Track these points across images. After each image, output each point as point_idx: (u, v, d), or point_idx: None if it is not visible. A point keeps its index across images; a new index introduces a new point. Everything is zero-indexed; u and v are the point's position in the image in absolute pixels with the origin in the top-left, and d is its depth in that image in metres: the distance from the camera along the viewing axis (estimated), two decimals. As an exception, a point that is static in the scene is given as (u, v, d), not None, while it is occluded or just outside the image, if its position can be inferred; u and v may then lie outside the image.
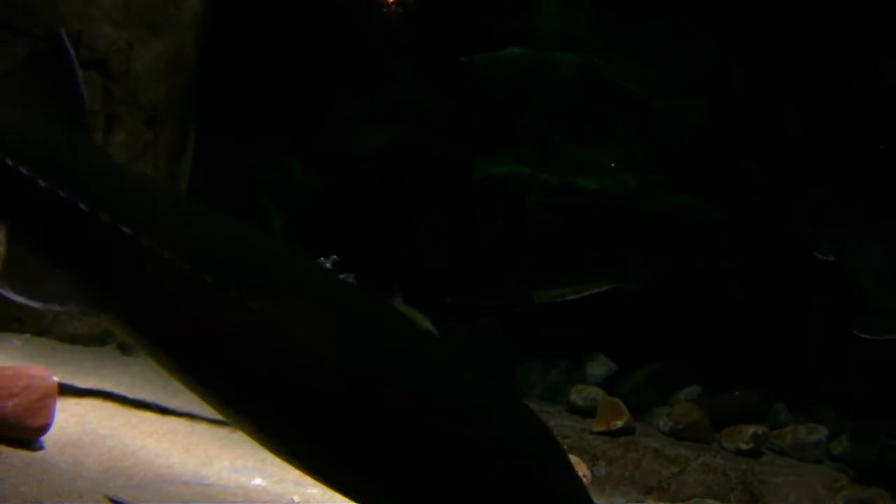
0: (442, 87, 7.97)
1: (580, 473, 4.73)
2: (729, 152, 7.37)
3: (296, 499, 3.40)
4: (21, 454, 3.02)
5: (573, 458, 4.87)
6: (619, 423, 5.72)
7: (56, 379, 3.29)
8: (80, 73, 3.02)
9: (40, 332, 5.60)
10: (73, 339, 5.65)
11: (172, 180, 6.78)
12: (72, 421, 3.64)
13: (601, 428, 5.74)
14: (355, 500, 2.29)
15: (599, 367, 6.80)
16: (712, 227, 7.46)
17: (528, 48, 7.67)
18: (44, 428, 3.23)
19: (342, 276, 4.58)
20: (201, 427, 4.14)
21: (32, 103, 2.76)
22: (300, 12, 7.84)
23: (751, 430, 5.88)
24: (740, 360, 6.71)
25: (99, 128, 6.26)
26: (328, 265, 4.71)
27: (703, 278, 7.21)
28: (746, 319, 7.15)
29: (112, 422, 3.85)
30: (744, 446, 5.81)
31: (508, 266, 7.26)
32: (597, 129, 7.60)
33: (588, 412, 5.99)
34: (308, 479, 2.34)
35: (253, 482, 3.51)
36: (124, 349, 5.62)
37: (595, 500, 4.70)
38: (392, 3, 8.42)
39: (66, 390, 3.94)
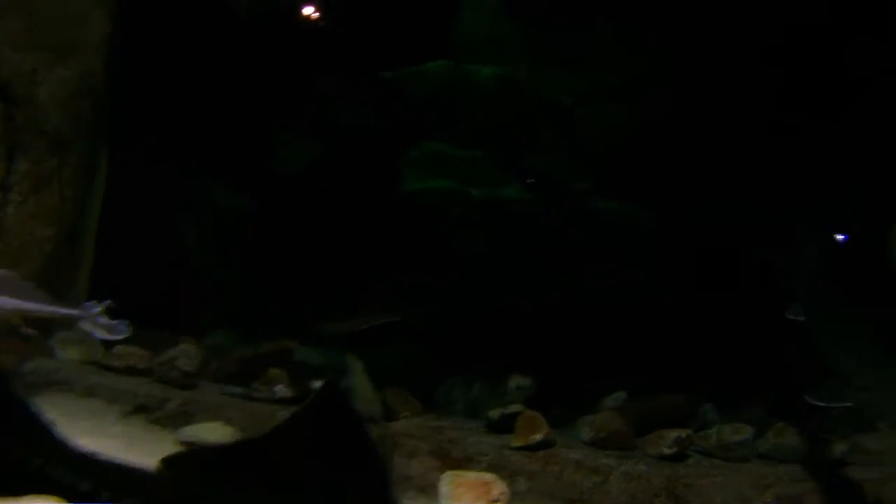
0: (367, 102, 7.89)
1: (498, 491, 4.71)
2: (657, 158, 7.30)
3: None
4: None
5: (490, 476, 4.89)
6: (538, 437, 5.65)
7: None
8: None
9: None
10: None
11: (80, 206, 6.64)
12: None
13: (520, 443, 5.66)
14: None
15: (521, 381, 6.79)
16: (640, 232, 7.29)
17: (450, 61, 7.56)
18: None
19: (115, 323, 4.56)
20: None
21: None
22: (218, 30, 7.78)
23: (673, 434, 5.82)
24: (669, 363, 6.77)
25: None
26: (98, 310, 4.69)
27: (631, 283, 7.17)
28: (675, 322, 7.15)
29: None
30: (667, 451, 5.77)
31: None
32: (521, 141, 7.50)
33: (508, 428, 5.90)
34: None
35: None
36: None
37: None
38: (315, 20, 8.37)
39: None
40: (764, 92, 7.56)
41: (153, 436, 5.74)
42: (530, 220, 7.46)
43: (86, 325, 4.94)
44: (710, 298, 7.50)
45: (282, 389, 6.21)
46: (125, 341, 5.66)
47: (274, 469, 2.85)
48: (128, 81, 7.57)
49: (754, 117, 7.62)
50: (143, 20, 7.68)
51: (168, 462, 2.68)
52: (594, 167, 7.66)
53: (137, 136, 7.77)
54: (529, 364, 6.93)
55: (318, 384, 4.84)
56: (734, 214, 7.58)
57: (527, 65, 7.84)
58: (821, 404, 5.10)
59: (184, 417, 5.95)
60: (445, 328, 7.01)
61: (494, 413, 6.09)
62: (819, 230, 7.35)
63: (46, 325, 6.22)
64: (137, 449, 5.25)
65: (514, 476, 5.48)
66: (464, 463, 5.50)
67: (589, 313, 7.28)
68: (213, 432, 5.56)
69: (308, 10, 8.42)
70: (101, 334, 5.02)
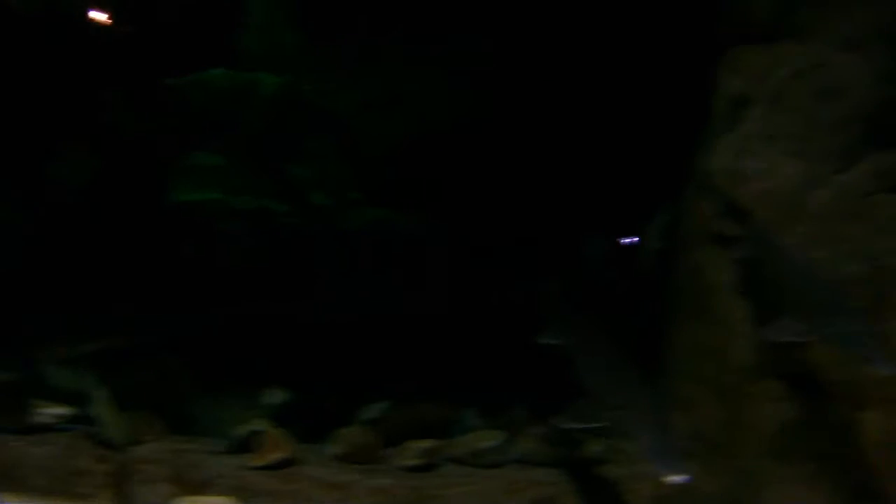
0: (148, 111, 7.69)
1: None
2: (430, 167, 7.32)
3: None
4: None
5: (224, 501, 4.70)
6: (279, 456, 5.58)
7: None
8: None
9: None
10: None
11: None
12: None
13: (259, 462, 5.57)
14: None
15: (275, 396, 6.69)
16: (410, 240, 7.32)
17: (233, 70, 7.52)
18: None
19: None
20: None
21: None
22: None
23: (420, 444, 5.85)
24: (433, 371, 6.76)
25: None
26: None
27: (397, 293, 7.17)
28: (441, 330, 7.14)
29: None
30: (413, 462, 5.77)
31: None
32: (295, 151, 7.42)
33: (252, 447, 5.79)
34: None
35: None
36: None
37: None
38: (98, 28, 8.10)
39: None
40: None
41: None
42: (296, 231, 7.27)
43: None
44: (473, 305, 7.50)
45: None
46: None
47: None
48: None
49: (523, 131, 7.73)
50: None
51: None
52: (367, 177, 7.53)
53: None
54: (291, 378, 6.79)
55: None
56: (501, 225, 7.64)
57: (308, 76, 7.72)
58: (573, 427, 5.13)
59: None
60: (202, 344, 6.76)
61: (238, 432, 5.95)
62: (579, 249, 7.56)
63: None
64: None
65: (253, 497, 5.41)
66: (202, 487, 5.42)
67: (354, 323, 7.14)
68: None
69: (92, 14, 8.06)
70: None
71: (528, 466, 6.03)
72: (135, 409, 6.12)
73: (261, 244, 7.35)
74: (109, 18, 8.18)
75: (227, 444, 5.92)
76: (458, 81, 7.81)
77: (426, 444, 5.87)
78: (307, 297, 7.29)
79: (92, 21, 8.18)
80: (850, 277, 5.30)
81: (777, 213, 5.61)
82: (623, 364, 4.98)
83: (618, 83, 7.62)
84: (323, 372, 6.81)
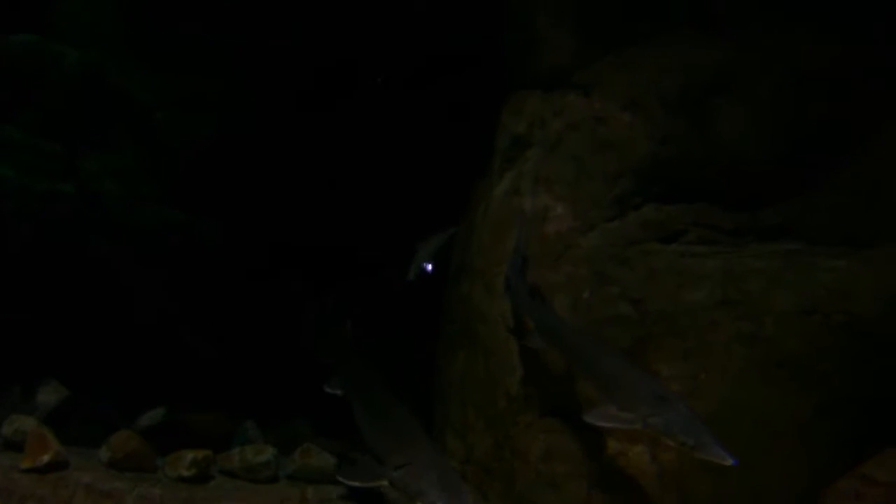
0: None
1: None
2: (231, 167, 7.33)
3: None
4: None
5: None
6: (46, 458, 5.49)
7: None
8: None
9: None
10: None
11: None
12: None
13: (29, 464, 5.47)
14: None
15: (51, 394, 6.60)
16: (202, 242, 7.29)
17: (39, 37, 7.27)
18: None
19: None
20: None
21: None
22: None
23: (190, 455, 5.84)
24: (213, 378, 6.71)
25: None
26: None
27: (183, 297, 7.18)
28: (222, 338, 7.18)
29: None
30: (186, 472, 5.78)
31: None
32: (93, 134, 7.25)
33: (21, 446, 5.66)
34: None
35: None
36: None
37: None
38: None
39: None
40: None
41: None
42: (84, 221, 7.15)
43: None
44: (260, 315, 7.61)
45: None
46: None
47: None
48: None
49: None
50: None
51: None
52: (165, 174, 7.46)
53: None
54: (69, 378, 6.63)
55: None
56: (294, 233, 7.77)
57: (118, 58, 7.54)
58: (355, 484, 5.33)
59: None
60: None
61: (9, 430, 5.87)
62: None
63: None
64: None
65: (23, 502, 5.39)
66: None
67: (131, 324, 7.10)
68: None
69: None
70: None
71: (301, 483, 6.17)
72: None
73: (46, 231, 7.10)
74: None
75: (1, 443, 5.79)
76: (264, 83, 7.76)
77: (200, 454, 5.87)
78: (91, 294, 7.06)
79: None
80: (616, 318, 5.74)
81: (546, 251, 5.99)
82: (402, 416, 5.32)
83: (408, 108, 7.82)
84: (102, 373, 6.67)
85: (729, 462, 4.36)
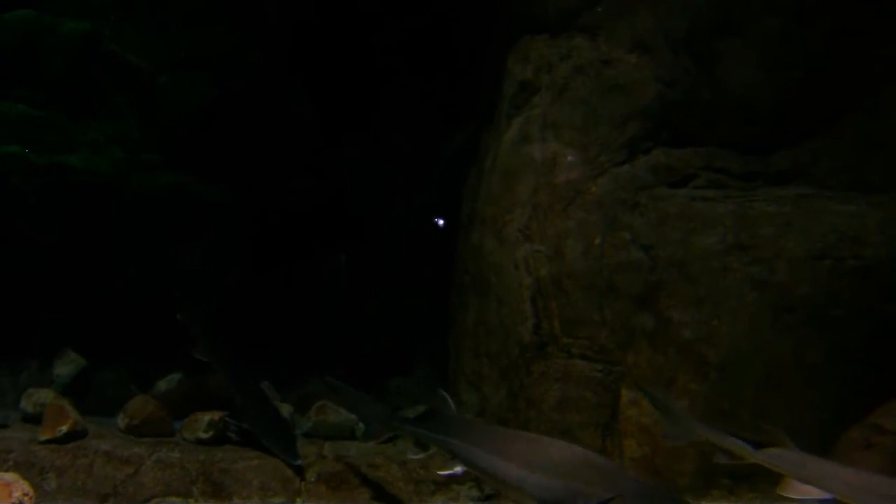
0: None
1: (20, 492, 4.70)
2: (233, 130, 7.55)
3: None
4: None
5: (11, 476, 4.81)
6: (65, 428, 5.69)
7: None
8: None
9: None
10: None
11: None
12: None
13: (47, 436, 5.66)
14: None
15: (68, 364, 6.83)
16: (209, 206, 7.63)
17: (36, 11, 7.43)
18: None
19: None
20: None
21: None
22: None
23: (207, 417, 6.07)
24: (236, 341, 6.94)
25: None
26: None
27: (196, 261, 7.41)
28: (241, 297, 7.52)
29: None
30: (203, 435, 6.04)
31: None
32: (95, 103, 7.44)
33: (40, 419, 5.85)
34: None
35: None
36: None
37: None
38: None
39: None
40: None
41: None
42: (97, 190, 7.37)
43: None
44: (274, 277, 7.85)
45: None
46: None
47: None
48: None
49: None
50: None
51: None
52: (169, 138, 7.69)
53: None
54: (84, 347, 6.95)
55: None
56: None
57: (113, 24, 7.68)
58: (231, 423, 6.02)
59: None
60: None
61: (28, 404, 6.11)
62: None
63: None
64: None
65: (43, 473, 5.49)
66: None
67: (143, 291, 7.45)
68: None
69: None
70: None
71: (318, 439, 6.47)
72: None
73: (54, 204, 7.32)
74: None
75: (21, 417, 6.02)
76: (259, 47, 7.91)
77: (216, 415, 6.12)
78: (99, 263, 7.34)
79: None
80: (628, 264, 5.90)
81: (557, 198, 6.17)
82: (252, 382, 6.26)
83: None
84: (117, 341, 6.99)
85: None
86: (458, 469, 4.71)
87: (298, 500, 5.66)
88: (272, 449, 5.76)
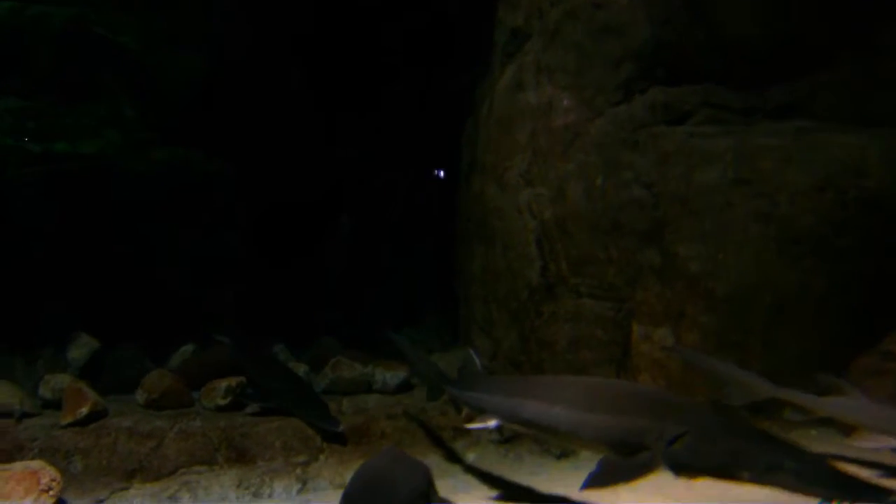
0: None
1: (48, 479, 4.77)
2: (227, 105, 7.55)
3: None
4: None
5: (37, 464, 4.89)
6: (85, 410, 5.75)
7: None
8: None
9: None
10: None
11: None
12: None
13: (69, 419, 5.71)
14: None
15: (81, 348, 6.88)
16: (210, 180, 7.65)
17: (18, 3, 7.38)
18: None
19: None
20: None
21: None
22: None
23: (224, 384, 6.16)
24: (240, 308, 7.05)
25: None
26: None
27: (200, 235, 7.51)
28: (247, 269, 7.63)
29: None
30: (221, 401, 6.14)
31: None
32: (86, 88, 7.41)
33: (60, 403, 5.90)
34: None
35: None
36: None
37: (75, 499, 4.93)
38: None
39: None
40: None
41: None
42: (95, 174, 7.37)
43: None
44: (279, 243, 7.93)
45: None
46: None
47: None
48: None
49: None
50: None
51: None
52: (162, 115, 7.68)
53: None
54: (96, 330, 7.03)
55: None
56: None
57: (98, 7, 7.59)
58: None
59: None
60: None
61: (46, 390, 6.14)
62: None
63: None
64: None
65: (68, 457, 5.54)
66: (14, 454, 5.43)
67: (152, 267, 7.52)
68: None
69: None
70: None
71: (336, 395, 6.56)
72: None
73: (53, 191, 7.33)
74: None
75: (41, 403, 6.07)
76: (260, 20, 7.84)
77: (233, 381, 6.22)
78: (102, 245, 7.41)
79: None
80: (631, 202, 5.98)
81: (556, 142, 6.25)
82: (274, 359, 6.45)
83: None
84: (129, 319, 7.06)
85: None
86: (493, 423, 4.60)
87: (321, 456, 5.77)
88: (309, 421, 5.84)
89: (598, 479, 3.74)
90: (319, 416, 5.85)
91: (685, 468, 3.50)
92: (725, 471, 3.41)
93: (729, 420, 3.81)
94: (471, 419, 4.85)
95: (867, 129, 5.47)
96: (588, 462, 5.50)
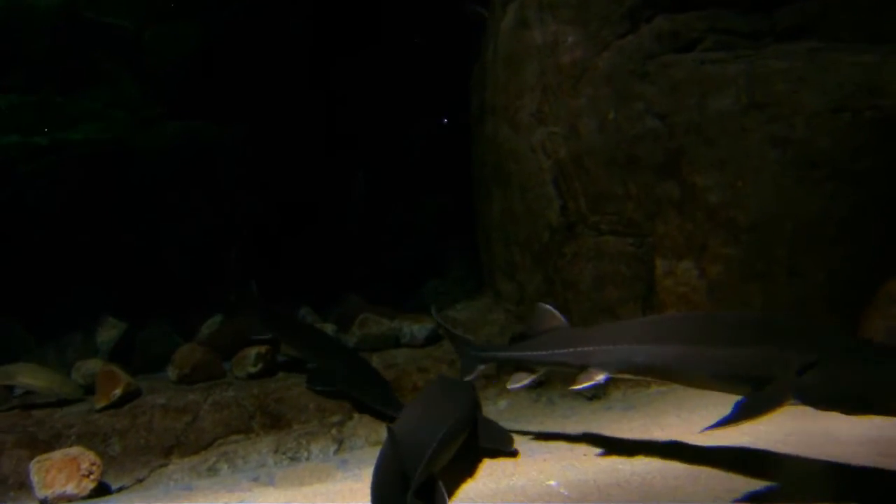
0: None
1: (88, 463, 4.94)
2: (230, 68, 7.56)
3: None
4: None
5: (76, 451, 5.03)
6: (119, 392, 5.87)
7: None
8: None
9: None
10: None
11: None
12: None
13: (103, 402, 5.84)
14: None
15: (110, 331, 7.02)
16: (222, 148, 7.70)
17: None
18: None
19: None
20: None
21: None
22: None
23: (254, 351, 6.30)
24: (262, 276, 7.12)
25: None
26: None
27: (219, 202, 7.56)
28: (268, 234, 7.77)
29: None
30: (252, 369, 6.28)
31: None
32: (85, 73, 7.44)
33: (93, 388, 6.03)
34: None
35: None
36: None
37: (116, 481, 5.10)
38: None
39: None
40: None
41: None
42: (105, 157, 7.42)
43: None
44: (296, 206, 7.98)
45: None
46: None
47: None
48: None
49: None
50: None
51: None
52: (166, 90, 7.68)
53: None
54: (122, 311, 7.14)
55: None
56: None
57: None
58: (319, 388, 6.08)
59: None
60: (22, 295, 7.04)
61: (78, 376, 6.27)
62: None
63: None
64: None
65: (106, 439, 5.67)
66: (53, 443, 5.56)
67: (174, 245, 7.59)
68: None
69: None
70: None
71: (366, 352, 6.67)
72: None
73: (66, 181, 7.41)
74: None
75: (77, 389, 6.18)
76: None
77: (263, 348, 6.36)
78: (119, 227, 7.52)
79: None
80: (645, 134, 5.91)
81: (564, 78, 6.18)
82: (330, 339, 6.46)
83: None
84: (152, 298, 7.22)
85: None
86: (601, 377, 4.31)
87: (355, 415, 5.91)
88: (370, 404, 5.82)
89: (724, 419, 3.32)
90: (382, 401, 5.80)
91: (818, 400, 3.15)
92: (865, 403, 3.07)
93: (868, 344, 3.61)
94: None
95: (881, 47, 5.26)
96: (619, 402, 5.64)
